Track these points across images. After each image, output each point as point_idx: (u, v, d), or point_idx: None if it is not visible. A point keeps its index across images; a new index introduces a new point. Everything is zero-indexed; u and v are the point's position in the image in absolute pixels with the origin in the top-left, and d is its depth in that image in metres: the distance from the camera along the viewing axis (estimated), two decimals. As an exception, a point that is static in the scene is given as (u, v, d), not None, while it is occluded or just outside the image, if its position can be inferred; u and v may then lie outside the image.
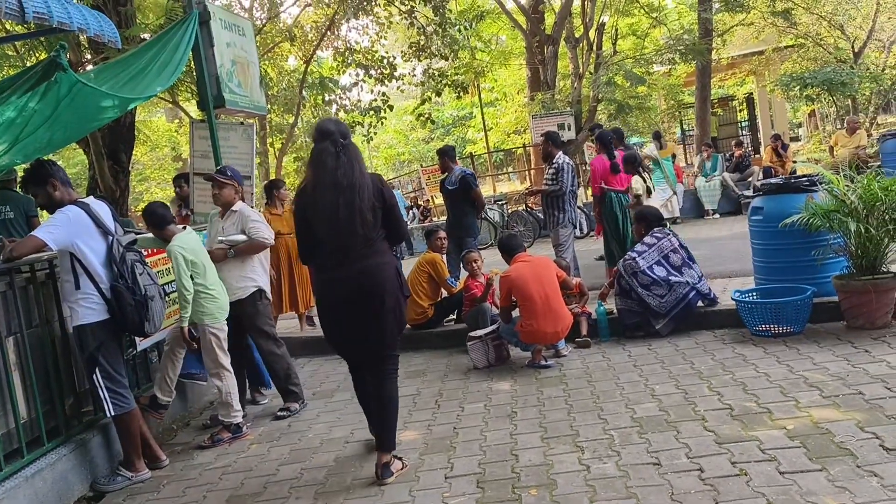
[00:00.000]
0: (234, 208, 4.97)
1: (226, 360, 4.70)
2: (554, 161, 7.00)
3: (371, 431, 4.04)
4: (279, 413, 5.00)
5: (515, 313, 5.35)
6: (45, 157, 4.56)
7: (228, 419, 4.67)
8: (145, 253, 4.60)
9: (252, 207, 6.43)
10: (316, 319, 7.58)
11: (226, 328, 4.73)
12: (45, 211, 4.21)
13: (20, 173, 5.73)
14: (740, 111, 22.54)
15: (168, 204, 5.18)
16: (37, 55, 9.51)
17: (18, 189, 6.84)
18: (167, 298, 4.64)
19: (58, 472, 3.84)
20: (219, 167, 5.31)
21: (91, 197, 4.28)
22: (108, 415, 4.02)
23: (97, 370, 3.93)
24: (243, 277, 4.91)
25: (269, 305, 5.17)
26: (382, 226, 3.63)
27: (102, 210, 4.06)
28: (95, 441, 4.24)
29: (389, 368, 3.76)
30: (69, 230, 3.83)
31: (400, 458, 3.74)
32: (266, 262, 5.20)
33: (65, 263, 3.91)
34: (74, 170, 22.03)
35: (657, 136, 13.33)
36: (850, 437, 3.28)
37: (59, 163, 4.72)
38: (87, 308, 3.89)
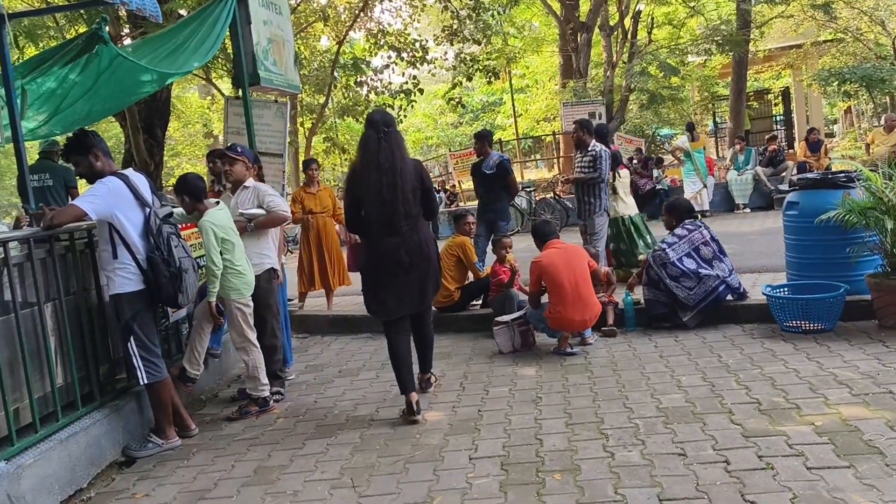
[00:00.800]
0: (245, 184, 4.98)
1: (252, 334, 4.75)
2: (590, 149, 6.95)
3: (403, 392, 4.34)
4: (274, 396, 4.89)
5: (544, 299, 5.36)
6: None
7: (256, 393, 4.73)
8: (180, 226, 4.66)
9: (284, 185, 6.49)
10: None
11: (251, 304, 4.78)
12: (84, 180, 4.28)
13: (61, 145, 5.82)
14: (775, 105, 22.16)
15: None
16: (76, 28, 9.63)
17: (60, 161, 6.99)
18: (199, 272, 4.70)
19: (91, 436, 3.93)
20: (229, 145, 5.34)
21: (130, 169, 4.34)
22: (141, 382, 4.10)
23: (132, 339, 4.01)
24: (258, 254, 4.94)
25: (278, 283, 5.21)
26: (420, 203, 4.26)
27: (141, 182, 4.12)
28: (128, 408, 4.33)
29: (427, 317, 4.63)
30: (109, 201, 3.89)
31: (434, 375, 4.85)
32: (277, 241, 5.24)
33: (103, 233, 3.97)
34: (109, 143, 22.28)
35: (690, 128, 13.17)
36: (879, 436, 3.26)
37: (96, 134, 4.78)
38: (123, 277, 3.97)
